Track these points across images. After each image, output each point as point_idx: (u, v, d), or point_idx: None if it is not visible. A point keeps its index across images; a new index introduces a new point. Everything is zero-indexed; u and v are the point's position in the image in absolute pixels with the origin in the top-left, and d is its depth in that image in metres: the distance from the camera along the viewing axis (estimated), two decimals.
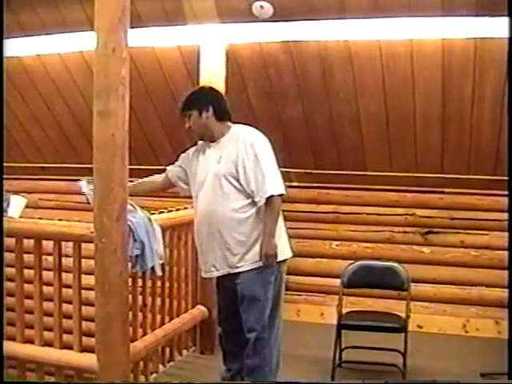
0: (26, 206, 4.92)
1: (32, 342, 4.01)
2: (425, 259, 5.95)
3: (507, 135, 4.85)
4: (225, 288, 3.93)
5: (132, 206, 3.82)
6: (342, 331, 4.59)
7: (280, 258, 3.78)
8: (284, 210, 3.93)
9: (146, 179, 4.19)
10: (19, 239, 4.01)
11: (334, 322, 4.64)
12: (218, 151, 3.82)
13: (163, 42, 5.36)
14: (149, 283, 4.33)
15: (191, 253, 4.91)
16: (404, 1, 4.60)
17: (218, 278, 3.92)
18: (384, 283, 4.82)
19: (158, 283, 4.49)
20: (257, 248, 3.71)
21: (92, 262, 3.61)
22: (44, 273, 3.98)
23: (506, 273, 5.12)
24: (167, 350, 4.73)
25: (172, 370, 4.67)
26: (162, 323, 4.54)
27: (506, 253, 5.00)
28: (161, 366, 4.60)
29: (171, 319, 4.66)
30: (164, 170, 4.22)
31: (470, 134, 5.51)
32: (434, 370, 4.69)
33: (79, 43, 5.35)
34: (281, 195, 3.70)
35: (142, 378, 4.29)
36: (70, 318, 3.90)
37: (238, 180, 3.71)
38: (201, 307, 5.04)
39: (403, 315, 4.61)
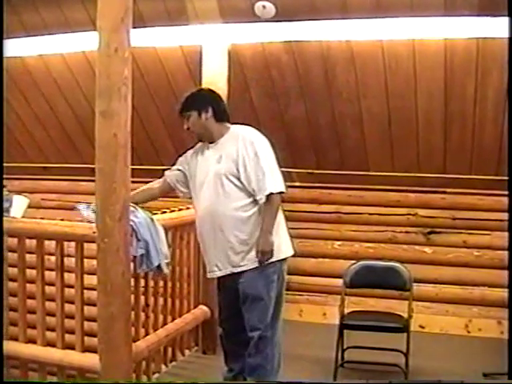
0: (29, 206, 4.93)
1: (34, 342, 4.01)
2: (427, 259, 5.95)
3: (507, 135, 4.85)
4: (226, 288, 3.93)
5: (133, 206, 3.82)
6: (344, 331, 4.59)
7: (281, 256, 3.80)
8: (286, 210, 3.93)
9: (143, 188, 4.15)
10: (21, 239, 4.01)
11: (336, 322, 4.64)
12: (218, 151, 3.83)
13: (165, 42, 5.36)
14: (151, 283, 4.34)
15: (193, 253, 4.91)
16: (406, 1, 4.59)
17: (220, 278, 3.92)
18: (386, 283, 4.82)
19: (161, 283, 4.49)
20: None
21: (94, 261, 3.61)
22: (46, 273, 3.98)
23: (507, 273, 5.12)
24: (169, 350, 4.73)
25: (174, 370, 4.67)
26: (165, 323, 4.54)
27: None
28: (163, 366, 4.61)
29: (173, 319, 4.66)
30: (166, 170, 4.22)
31: (472, 133, 5.51)
32: (436, 370, 4.69)
33: (81, 43, 5.34)
34: (280, 193, 3.71)
35: (144, 378, 4.29)
36: (72, 318, 3.89)
37: (238, 179, 3.72)
38: (203, 307, 5.04)
39: (405, 315, 4.61)
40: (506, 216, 5.19)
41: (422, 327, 5.80)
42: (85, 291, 3.87)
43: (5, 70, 5.27)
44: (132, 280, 3.84)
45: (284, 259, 3.85)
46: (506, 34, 4.15)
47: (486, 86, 5.13)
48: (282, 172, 3.82)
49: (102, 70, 3.45)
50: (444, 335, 5.76)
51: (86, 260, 3.86)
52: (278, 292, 3.84)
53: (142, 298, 4.25)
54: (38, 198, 6.99)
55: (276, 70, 5.54)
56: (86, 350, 3.87)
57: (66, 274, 3.94)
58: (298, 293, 6.18)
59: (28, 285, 4.04)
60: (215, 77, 4.96)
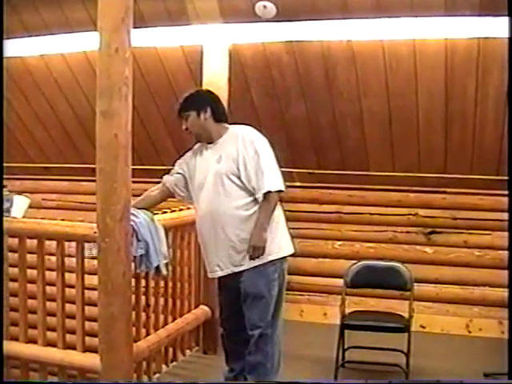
0: (29, 206, 4.93)
1: (35, 342, 4.01)
2: (427, 259, 5.95)
3: (507, 135, 4.85)
4: (227, 287, 3.93)
5: (134, 207, 3.83)
6: (345, 331, 4.59)
7: (281, 255, 3.81)
8: (286, 210, 3.93)
9: (143, 196, 4.12)
10: (22, 239, 4.01)
11: (337, 322, 4.64)
12: (217, 151, 3.84)
13: (166, 42, 5.36)
14: (152, 283, 4.34)
15: (194, 253, 4.91)
16: (407, 1, 4.59)
17: (220, 277, 3.93)
18: (387, 283, 4.82)
19: (161, 283, 4.49)
20: None
21: (95, 262, 3.61)
22: (47, 273, 3.98)
23: (507, 273, 5.12)
24: (170, 350, 4.73)
25: (175, 370, 4.67)
26: (165, 323, 4.54)
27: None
28: (164, 366, 4.61)
29: (174, 319, 4.66)
30: (165, 174, 4.22)
31: (472, 133, 5.51)
32: (436, 370, 4.69)
33: (82, 43, 5.34)
34: (279, 191, 3.72)
35: (145, 378, 4.29)
36: (73, 318, 3.89)
37: (239, 178, 3.73)
38: (204, 307, 5.04)
39: (406, 315, 4.61)
40: (506, 216, 5.19)
41: (423, 327, 5.80)
42: (85, 291, 3.87)
43: (5, 70, 5.28)
44: (133, 280, 3.84)
45: (284, 258, 3.86)
46: (507, 34, 4.16)
47: (486, 86, 5.13)
48: (283, 172, 3.82)
49: (103, 70, 3.45)
50: (445, 335, 5.76)
51: (86, 260, 3.86)
52: (278, 290, 3.84)
53: (143, 298, 4.25)
54: (39, 198, 6.99)
55: (277, 70, 5.54)
56: (87, 350, 3.87)
57: (66, 274, 3.94)
58: (298, 293, 6.18)
59: (29, 285, 4.04)
60: (216, 77, 4.96)
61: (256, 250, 3.68)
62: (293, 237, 3.99)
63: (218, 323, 4.31)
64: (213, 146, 3.89)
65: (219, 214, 3.74)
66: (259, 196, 3.69)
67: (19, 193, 5.18)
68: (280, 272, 3.83)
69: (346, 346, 4.68)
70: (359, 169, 6.07)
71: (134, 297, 3.94)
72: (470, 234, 5.86)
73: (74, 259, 3.87)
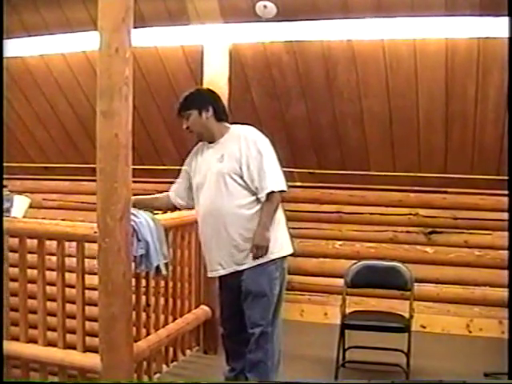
0: (30, 206, 4.92)
1: (35, 342, 4.01)
2: (428, 259, 5.95)
3: (507, 135, 4.85)
4: (228, 287, 3.92)
5: (134, 207, 3.83)
6: (346, 331, 4.59)
7: (282, 254, 3.80)
8: (287, 210, 3.93)
9: (159, 196, 4.19)
10: (22, 239, 4.01)
11: (338, 321, 4.64)
12: (219, 151, 3.82)
13: (166, 41, 5.35)
14: (152, 283, 4.34)
15: (194, 253, 4.91)
16: (407, 1, 4.60)
17: (222, 277, 3.92)
18: (387, 283, 4.82)
19: (162, 283, 4.49)
20: None
21: (95, 261, 3.61)
22: (47, 273, 3.98)
23: (508, 273, 5.12)
24: (171, 349, 4.73)
25: (175, 370, 4.67)
26: (166, 323, 4.54)
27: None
28: (164, 366, 4.61)
29: (174, 319, 4.66)
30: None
31: (473, 133, 5.50)
32: (437, 369, 4.69)
33: (82, 43, 5.34)
34: (281, 191, 3.72)
35: (145, 378, 4.29)
36: (73, 318, 3.89)
37: (241, 177, 3.72)
38: (204, 307, 5.04)
39: (407, 315, 4.61)
40: (507, 216, 5.19)
41: (424, 327, 5.80)
42: (86, 291, 3.87)
43: (5, 70, 5.27)
44: (133, 280, 3.83)
45: (284, 257, 3.85)
46: (507, 34, 4.15)
47: (486, 86, 5.13)
48: (283, 172, 3.82)
49: (103, 70, 3.45)
50: (445, 335, 5.76)
51: (87, 260, 3.86)
52: (279, 289, 3.84)
53: (143, 297, 4.24)
54: (40, 198, 6.99)
55: (277, 70, 5.54)
56: (87, 349, 3.86)
57: (67, 274, 3.94)
58: (299, 293, 6.18)
59: (29, 285, 4.04)
60: (216, 76, 4.96)
61: (259, 249, 3.67)
62: (293, 237, 4.00)
63: (219, 323, 4.31)
64: (214, 146, 3.88)
65: (221, 213, 3.74)
66: (262, 196, 3.68)
67: (20, 193, 5.19)
68: (281, 271, 3.83)
69: (346, 346, 4.68)
70: (360, 169, 6.07)
71: (134, 297, 3.93)
72: (470, 233, 5.86)
73: (74, 259, 3.87)
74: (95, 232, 3.56)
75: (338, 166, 6.12)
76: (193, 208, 4.06)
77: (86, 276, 3.86)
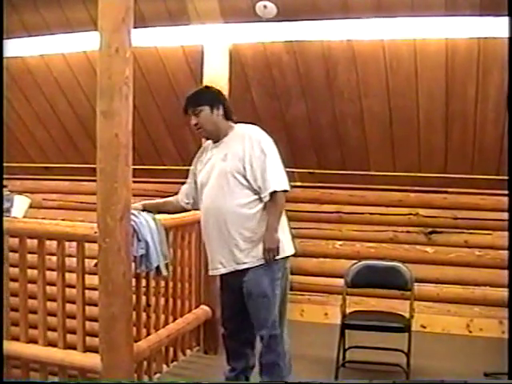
0: (30, 206, 4.93)
1: (36, 342, 4.01)
2: (428, 259, 5.95)
3: (507, 135, 4.85)
4: (230, 287, 3.89)
5: (135, 208, 3.83)
6: (346, 331, 4.59)
7: (284, 254, 3.77)
8: (287, 210, 3.93)
9: (168, 200, 4.20)
10: (23, 239, 4.01)
11: (338, 321, 4.64)
12: (223, 150, 3.80)
13: (167, 41, 5.35)
14: (152, 283, 4.33)
15: (195, 253, 4.92)
16: (407, 1, 4.60)
17: (223, 276, 3.89)
18: (387, 283, 4.82)
19: (162, 283, 4.49)
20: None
21: (94, 261, 3.61)
22: (47, 273, 3.98)
23: (508, 273, 5.12)
24: (171, 349, 4.73)
25: (176, 370, 4.67)
26: (166, 323, 4.54)
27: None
28: (164, 366, 4.60)
29: (175, 319, 4.66)
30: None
31: (473, 133, 5.51)
32: (437, 369, 4.69)
33: (83, 43, 5.34)
34: (285, 191, 3.71)
35: (145, 378, 4.29)
36: (73, 318, 3.89)
37: (244, 176, 3.69)
38: (204, 307, 5.04)
39: (407, 315, 4.61)
40: (507, 216, 5.19)
41: (424, 327, 5.80)
42: (86, 291, 3.87)
43: (5, 70, 5.28)
44: (133, 280, 3.84)
45: (287, 257, 3.85)
46: (507, 34, 4.15)
47: (487, 86, 5.13)
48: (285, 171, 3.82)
49: (103, 70, 3.45)
50: (445, 335, 5.76)
51: (87, 260, 3.86)
52: (282, 290, 3.83)
53: (144, 297, 4.24)
54: (40, 198, 7.00)
55: (277, 70, 5.54)
56: (88, 349, 3.86)
57: (67, 274, 3.94)
58: (299, 293, 6.18)
59: (29, 285, 4.04)
60: (216, 76, 4.96)
61: (271, 251, 3.64)
62: (294, 237, 3.99)
63: (219, 323, 4.31)
64: (218, 145, 3.86)
65: (222, 211, 3.72)
66: (265, 195, 3.66)
67: (20, 193, 5.19)
68: (283, 271, 3.82)
69: (346, 346, 4.68)
70: (360, 169, 6.07)
71: (134, 297, 3.93)
72: (470, 233, 5.86)
73: (74, 259, 3.87)
74: (95, 232, 3.56)
75: (337, 165, 6.12)
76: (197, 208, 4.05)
77: (86, 276, 3.86)
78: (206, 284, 5.00)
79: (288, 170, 3.83)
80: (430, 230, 5.98)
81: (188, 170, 4.13)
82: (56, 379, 4.02)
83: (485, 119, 5.37)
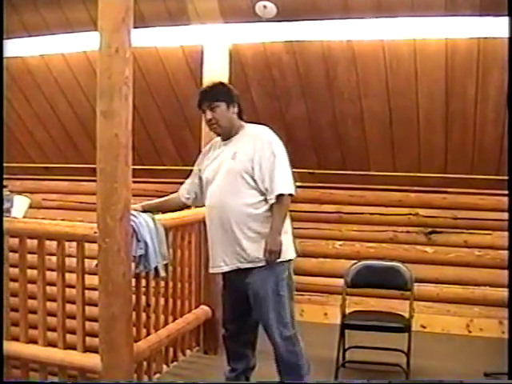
0: (30, 206, 4.93)
1: (35, 342, 4.00)
2: (428, 259, 5.95)
3: (507, 135, 4.85)
4: (233, 287, 3.86)
5: (135, 209, 3.83)
6: (346, 331, 4.60)
7: (287, 257, 3.76)
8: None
9: (167, 199, 4.17)
10: (22, 239, 4.00)
11: (338, 321, 4.65)
12: (232, 148, 3.77)
13: (166, 42, 5.36)
14: (152, 283, 4.33)
15: (195, 253, 4.92)
16: (407, 1, 4.60)
17: (226, 276, 3.86)
18: (387, 283, 4.82)
19: (162, 283, 4.48)
20: None
21: (95, 262, 3.61)
22: (47, 273, 3.98)
23: (508, 273, 5.12)
24: (171, 350, 4.73)
25: (175, 370, 4.67)
26: (166, 323, 4.53)
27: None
28: (164, 366, 4.60)
29: (175, 319, 4.65)
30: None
31: (473, 133, 5.51)
32: (437, 369, 4.69)
33: (82, 43, 5.34)
34: (290, 195, 3.69)
35: (145, 378, 4.28)
36: (73, 318, 3.89)
37: (252, 177, 3.67)
38: (204, 307, 5.04)
39: (406, 315, 4.61)
40: (507, 216, 5.19)
41: (424, 327, 5.80)
42: (86, 291, 3.87)
43: (5, 70, 5.28)
44: (133, 280, 3.83)
45: (291, 260, 3.83)
46: (507, 34, 4.15)
47: (486, 86, 5.13)
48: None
49: (103, 70, 3.45)
50: (445, 335, 5.76)
51: (86, 260, 3.86)
52: (289, 290, 3.81)
53: (144, 298, 4.24)
54: (39, 198, 7.00)
55: (277, 70, 5.54)
56: (87, 350, 3.86)
57: (67, 274, 3.94)
58: (299, 293, 6.12)
59: (29, 285, 4.04)
60: (216, 77, 4.92)
61: (272, 253, 3.61)
62: (294, 237, 3.98)
63: (219, 323, 4.31)
64: (228, 143, 3.83)
65: (227, 210, 3.68)
66: (271, 198, 3.64)
67: (19, 193, 5.19)
68: (288, 272, 3.80)
69: (346, 346, 4.69)
70: (360, 169, 6.07)
71: (134, 297, 3.93)
72: (470, 233, 5.86)
73: (74, 259, 3.87)
74: (95, 232, 3.56)
75: (337, 166, 6.12)
76: (202, 205, 4.03)
77: (86, 276, 3.86)
78: (206, 284, 5.00)
79: None
80: (429, 230, 5.98)
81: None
82: (56, 379, 4.02)
83: (485, 119, 5.37)
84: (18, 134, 6.94)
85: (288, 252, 3.77)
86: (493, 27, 4.46)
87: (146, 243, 3.79)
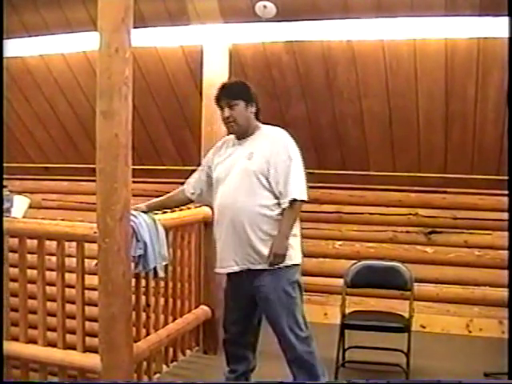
0: (29, 206, 4.94)
1: (35, 342, 4.01)
2: (428, 259, 5.95)
3: (507, 135, 4.84)
4: (240, 289, 3.80)
5: (135, 209, 3.84)
6: (346, 331, 4.59)
7: (298, 260, 3.74)
8: None
9: (171, 194, 4.15)
10: (22, 239, 4.01)
11: (338, 321, 4.64)
12: (248, 148, 3.73)
13: (166, 42, 5.35)
14: (152, 283, 4.33)
15: (195, 253, 4.92)
16: (407, 1, 4.60)
17: (234, 278, 3.80)
18: (387, 283, 4.82)
19: (162, 283, 4.48)
20: None
21: (95, 262, 3.61)
22: (47, 273, 3.98)
23: (508, 273, 5.12)
24: (170, 350, 4.73)
25: (175, 370, 4.67)
26: (166, 323, 4.54)
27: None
28: (164, 366, 4.60)
29: (174, 319, 4.66)
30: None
31: (473, 133, 5.51)
32: (437, 369, 4.69)
33: (82, 43, 5.34)
34: (303, 201, 3.66)
35: (145, 378, 4.29)
36: (73, 318, 3.89)
37: (267, 179, 3.63)
38: (204, 307, 5.04)
39: (406, 315, 4.61)
40: (506, 216, 5.19)
41: (423, 327, 5.80)
42: (86, 291, 3.87)
43: (5, 70, 5.28)
44: (133, 280, 3.84)
45: (299, 265, 3.78)
46: (507, 34, 4.15)
47: (486, 86, 5.13)
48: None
49: (103, 70, 3.45)
50: (445, 335, 5.76)
51: (86, 260, 3.86)
52: (300, 292, 3.78)
53: (143, 298, 4.24)
54: (39, 198, 7.00)
55: (277, 70, 5.54)
56: (87, 350, 3.86)
57: (66, 274, 3.94)
58: None
59: (29, 285, 4.04)
60: (216, 77, 4.95)
61: (277, 257, 3.59)
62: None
63: (219, 323, 4.30)
64: (243, 142, 3.79)
65: (241, 210, 3.63)
66: (284, 202, 3.61)
67: (19, 193, 5.20)
68: (297, 277, 3.78)
69: (346, 346, 4.69)
70: (359, 169, 6.07)
71: (134, 297, 3.94)
72: (470, 233, 5.86)
73: (74, 259, 3.87)
74: (95, 232, 3.57)
75: (337, 165, 6.12)
76: (206, 203, 3.99)
77: (86, 276, 3.86)
78: (206, 284, 5.00)
79: None
80: (429, 230, 5.97)
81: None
82: (56, 379, 4.02)
83: (485, 119, 5.37)
84: (18, 134, 6.94)
85: (298, 255, 3.74)
86: (493, 27, 4.46)
87: (145, 243, 3.80)
